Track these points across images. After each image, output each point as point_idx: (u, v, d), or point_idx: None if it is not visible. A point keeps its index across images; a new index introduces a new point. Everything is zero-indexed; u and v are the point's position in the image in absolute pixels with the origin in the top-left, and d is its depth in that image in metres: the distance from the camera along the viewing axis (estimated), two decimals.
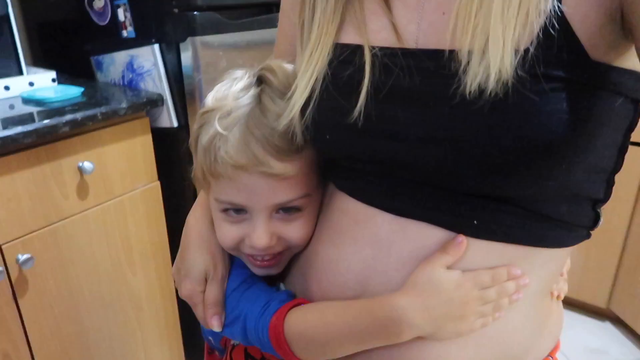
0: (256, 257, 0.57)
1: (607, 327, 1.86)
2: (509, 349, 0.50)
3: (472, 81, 0.39)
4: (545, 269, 0.50)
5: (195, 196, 0.67)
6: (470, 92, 0.40)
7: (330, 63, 0.50)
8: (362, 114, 0.46)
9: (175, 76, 1.23)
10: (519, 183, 0.43)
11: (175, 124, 1.25)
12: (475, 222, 0.46)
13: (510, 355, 0.51)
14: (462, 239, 0.46)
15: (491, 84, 0.39)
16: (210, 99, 0.55)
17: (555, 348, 0.56)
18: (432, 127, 0.43)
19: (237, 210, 0.55)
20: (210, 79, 1.23)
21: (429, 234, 0.47)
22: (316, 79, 0.50)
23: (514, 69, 0.39)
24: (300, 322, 0.52)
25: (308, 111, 0.50)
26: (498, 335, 0.49)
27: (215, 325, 0.57)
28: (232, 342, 0.66)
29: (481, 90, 0.39)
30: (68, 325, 1.16)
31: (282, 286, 0.63)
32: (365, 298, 0.50)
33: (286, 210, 0.54)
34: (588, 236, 0.50)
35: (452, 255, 0.46)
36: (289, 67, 0.56)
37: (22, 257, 1.02)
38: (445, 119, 0.42)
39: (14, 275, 1.03)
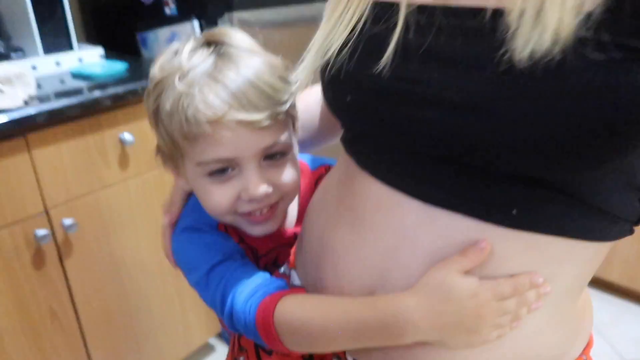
0: (255, 212, 0.55)
1: None
2: (545, 352, 0.47)
3: (523, 46, 0.34)
4: (587, 265, 0.45)
5: None
6: (521, 58, 0.35)
7: (361, 21, 0.45)
8: (389, 73, 0.41)
9: None
10: (568, 165, 0.37)
11: None
12: (514, 211, 0.40)
13: (546, 358, 0.47)
14: (486, 244, 0.41)
15: (546, 50, 0.34)
16: (157, 70, 0.53)
17: (588, 345, 0.52)
18: (472, 92, 0.37)
19: (223, 170, 0.53)
20: None
21: (461, 227, 0.42)
22: (344, 37, 0.45)
23: (574, 34, 0.33)
24: (294, 309, 0.49)
25: (328, 69, 0.46)
26: (534, 339, 0.46)
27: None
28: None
29: (534, 56, 0.34)
30: (110, 287, 1.24)
31: (284, 269, 0.62)
32: (381, 291, 0.46)
33: (271, 157, 0.54)
34: (631, 232, 0.45)
35: (472, 260, 0.41)
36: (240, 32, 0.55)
37: (67, 222, 1.10)
38: (489, 84, 0.37)
39: (59, 238, 1.11)
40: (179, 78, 0.50)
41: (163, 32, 1.34)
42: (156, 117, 0.53)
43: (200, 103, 0.48)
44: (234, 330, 0.55)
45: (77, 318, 1.19)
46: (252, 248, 0.62)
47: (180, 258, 0.60)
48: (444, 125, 0.40)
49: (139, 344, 1.35)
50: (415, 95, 0.40)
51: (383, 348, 0.47)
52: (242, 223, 0.57)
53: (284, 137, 0.54)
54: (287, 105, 0.53)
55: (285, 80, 0.53)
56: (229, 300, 0.53)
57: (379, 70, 0.42)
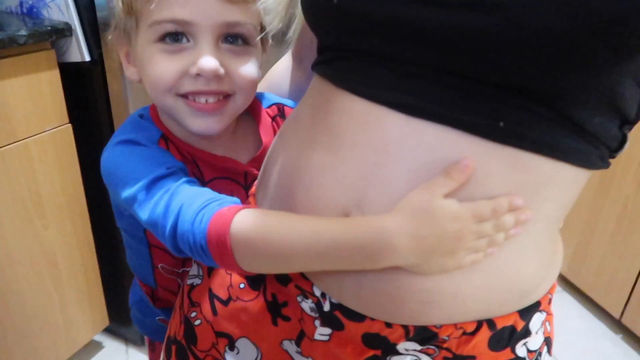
0: (199, 97, 0.51)
1: None
2: (519, 283, 0.46)
3: None
4: (567, 193, 0.45)
5: None
6: None
7: None
8: None
9: (85, 3, 1.09)
10: (565, 71, 0.36)
11: (87, 58, 1.11)
12: (501, 124, 0.39)
13: (520, 290, 0.47)
14: (469, 161, 0.39)
15: None
16: None
17: (553, 286, 0.52)
18: None
19: (176, 38, 0.50)
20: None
21: (446, 141, 0.40)
22: None
23: None
24: (254, 222, 0.44)
25: None
26: (508, 268, 0.45)
27: None
28: (188, 281, 0.59)
29: None
30: None
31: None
32: (357, 212, 0.43)
33: (232, 41, 0.51)
34: (608, 164, 0.45)
35: (456, 180, 0.40)
36: None
37: None
38: None
39: None
40: None
41: None
42: None
43: None
44: (176, 251, 0.48)
45: None
46: (197, 171, 0.57)
47: (112, 171, 0.52)
48: (442, 24, 0.37)
49: (9, 347, 1.16)
50: None
51: (355, 277, 0.44)
52: (182, 110, 0.52)
53: (250, 20, 0.50)
54: None
55: None
56: (174, 213, 0.46)
57: None
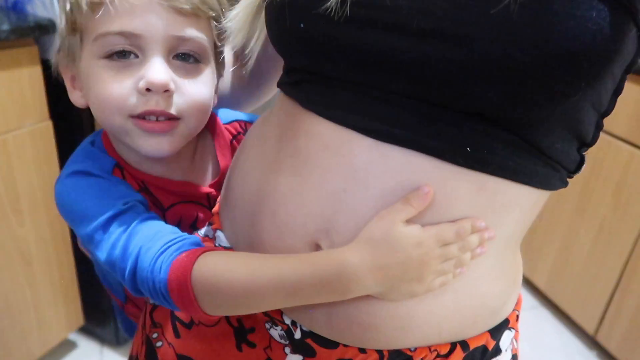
0: (149, 116, 0.48)
1: None
2: (488, 301, 0.47)
3: None
4: (528, 214, 0.46)
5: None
6: None
7: None
8: None
9: None
10: (527, 100, 0.37)
11: None
12: (468, 149, 0.39)
13: (490, 308, 0.47)
14: (429, 189, 0.40)
15: None
16: None
17: (519, 301, 0.53)
18: (441, 17, 0.36)
19: (124, 54, 0.47)
20: None
21: (414, 165, 0.40)
22: None
23: None
24: (216, 266, 0.43)
25: None
26: (477, 287, 0.45)
27: None
28: (150, 300, 0.58)
29: None
30: None
31: (205, 231, 0.54)
32: (326, 240, 0.43)
33: (184, 58, 0.49)
34: (566, 184, 0.47)
35: (416, 207, 0.40)
36: None
37: None
38: (459, 9, 0.36)
39: None
40: None
41: None
42: None
43: None
44: (136, 293, 0.47)
45: None
46: (155, 200, 0.54)
47: (67, 206, 0.50)
48: (409, 53, 0.38)
49: None
50: (378, 20, 0.38)
51: (325, 307, 0.44)
52: (132, 131, 0.49)
53: (201, 35, 0.48)
54: (214, 14, 0.50)
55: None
56: (132, 256, 0.45)
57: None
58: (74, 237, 1.28)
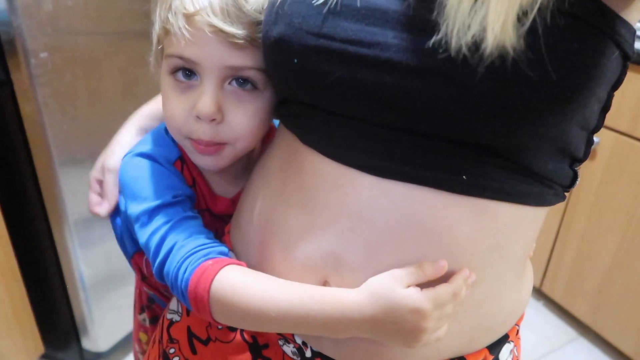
0: (201, 140, 0.52)
1: None
2: (487, 322, 0.49)
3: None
4: (530, 230, 0.48)
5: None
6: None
7: None
8: (340, 35, 0.40)
9: None
10: (517, 128, 0.39)
11: None
12: (464, 177, 0.41)
13: (489, 328, 0.49)
14: (445, 263, 0.42)
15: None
16: None
17: (522, 316, 0.55)
18: (427, 55, 0.38)
19: (188, 74, 0.51)
20: (34, 24, 1.03)
21: (416, 197, 0.42)
22: None
23: None
24: (234, 283, 0.46)
25: (275, 28, 0.44)
26: (477, 309, 0.47)
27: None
28: (167, 315, 0.59)
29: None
30: None
31: (230, 254, 0.56)
32: (335, 275, 0.45)
33: (241, 83, 0.51)
34: (563, 198, 0.49)
35: (427, 275, 0.42)
36: None
37: None
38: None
39: None
40: None
41: None
42: (155, 1, 0.53)
43: None
44: (159, 279, 0.50)
45: None
46: (198, 199, 0.58)
47: (126, 182, 0.56)
48: (393, 86, 0.39)
49: None
50: (368, 57, 0.40)
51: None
52: (188, 148, 0.55)
53: (255, 65, 0.50)
54: None
55: None
56: (166, 249, 0.50)
57: (327, 36, 0.41)
58: (22, 266, 1.23)
